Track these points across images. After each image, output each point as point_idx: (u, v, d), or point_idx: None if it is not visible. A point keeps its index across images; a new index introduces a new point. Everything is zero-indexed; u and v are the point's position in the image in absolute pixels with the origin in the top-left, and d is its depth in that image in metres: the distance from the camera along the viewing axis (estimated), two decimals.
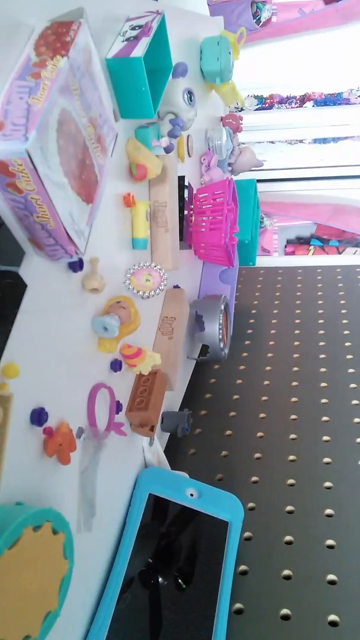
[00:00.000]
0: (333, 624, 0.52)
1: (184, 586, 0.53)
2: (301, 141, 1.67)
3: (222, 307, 0.81)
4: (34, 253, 0.35)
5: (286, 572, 0.57)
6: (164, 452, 0.68)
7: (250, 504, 0.66)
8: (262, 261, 1.29)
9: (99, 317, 0.45)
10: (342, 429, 0.76)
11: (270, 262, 1.29)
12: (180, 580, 0.53)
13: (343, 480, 0.68)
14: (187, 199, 0.73)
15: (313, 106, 1.72)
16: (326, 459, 0.71)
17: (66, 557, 0.34)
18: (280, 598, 0.55)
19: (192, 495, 0.59)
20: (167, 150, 0.57)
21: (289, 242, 1.50)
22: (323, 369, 0.89)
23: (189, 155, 0.78)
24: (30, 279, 0.34)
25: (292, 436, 0.76)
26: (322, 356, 0.92)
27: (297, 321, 1.04)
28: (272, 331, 1.02)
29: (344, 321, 1.01)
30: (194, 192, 0.81)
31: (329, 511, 0.64)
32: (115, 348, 0.48)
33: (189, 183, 0.73)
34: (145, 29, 0.47)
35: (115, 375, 0.52)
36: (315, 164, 1.61)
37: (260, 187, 1.44)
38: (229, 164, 1.00)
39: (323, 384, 0.86)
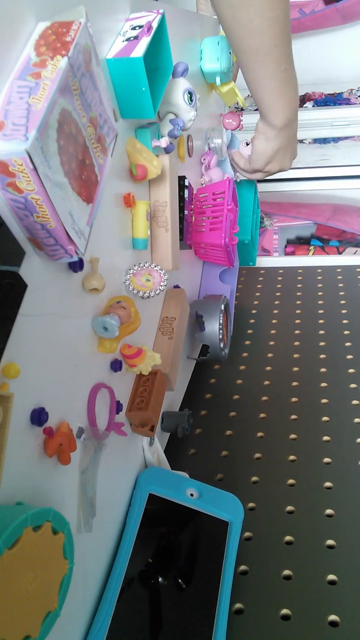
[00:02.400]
0: (333, 624, 0.52)
1: (184, 586, 0.53)
2: (301, 141, 1.67)
3: (222, 307, 0.81)
4: (34, 253, 0.35)
5: (286, 572, 0.57)
6: (164, 452, 0.68)
7: (250, 504, 0.66)
8: (262, 261, 1.29)
9: (99, 317, 0.45)
10: (342, 429, 0.76)
11: (270, 262, 1.29)
12: (180, 580, 0.53)
13: (343, 480, 0.68)
14: (187, 199, 0.73)
15: (313, 106, 1.72)
16: (326, 459, 0.71)
17: (66, 557, 0.34)
18: (280, 598, 0.55)
19: (192, 495, 0.59)
20: (167, 150, 0.57)
21: (289, 242, 1.50)
22: (323, 369, 0.89)
23: (189, 155, 0.78)
24: (30, 279, 0.34)
25: (292, 436, 0.76)
26: (322, 356, 0.92)
27: (297, 321, 1.04)
28: (272, 331, 1.02)
29: (344, 321, 1.01)
30: (194, 192, 0.81)
31: (329, 511, 0.64)
32: (115, 348, 0.48)
33: (189, 183, 0.73)
34: (146, 29, 0.47)
35: (116, 375, 0.52)
36: (315, 164, 1.61)
37: (261, 187, 1.44)
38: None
39: (323, 384, 0.86)
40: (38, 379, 0.37)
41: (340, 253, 1.44)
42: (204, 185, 0.87)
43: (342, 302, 1.08)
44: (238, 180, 1.04)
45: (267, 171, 0.82)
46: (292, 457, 0.72)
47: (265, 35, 0.57)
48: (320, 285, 1.16)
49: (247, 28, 0.57)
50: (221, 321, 0.79)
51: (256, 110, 0.71)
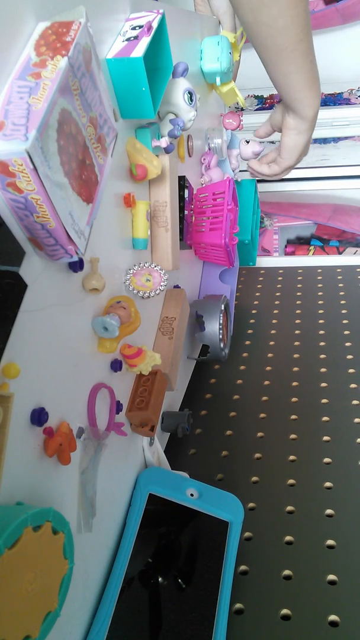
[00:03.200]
0: (333, 624, 0.52)
1: (184, 586, 0.53)
2: None
3: (222, 307, 0.81)
4: (34, 253, 0.35)
5: (286, 572, 0.57)
6: (164, 452, 0.68)
7: (250, 504, 0.66)
8: (262, 261, 1.29)
9: (99, 317, 0.45)
10: (342, 429, 0.76)
11: (270, 262, 1.29)
12: (180, 580, 0.53)
13: (343, 480, 0.68)
14: (187, 199, 0.73)
15: None
16: (326, 459, 0.71)
17: (66, 557, 0.34)
18: (280, 598, 0.55)
19: (192, 495, 0.59)
20: (167, 150, 0.57)
21: (289, 242, 1.50)
22: (323, 369, 0.89)
23: (189, 155, 0.78)
24: (31, 279, 0.34)
25: (292, 436, 0.76)
26: (322, 356, 0.92)
27: (297, 321, 1.04)
28: (272, 331, 1.02)
29: (344, 321, 1.01)
30: (194, 192, 0.81)
31: (329, 511, 0.64)
32: (115, 348, 0.48)
33: (189, 183, 0.73)
34: (146, 29, 0.47)
35: (116, 375, 0.52)
36: (315, 164, 1.61)
37: (261, 187, 1.44)
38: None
39: (323, 384, 0.86)
40: (38, 379, 0.37)
41: (340, 253, 1.43)
42: (204, 185, 0.87)
43: (342, 302, 1.08)
44: (238, 180, 1.04)
45: (296, 163, 0.83)
46: (292, 457, 0.72)
47: (291, 32, 0.58)
48: (320, 285, 1.16)
49: (272, 28, 0.57)
50: (221, 321, 0.79)
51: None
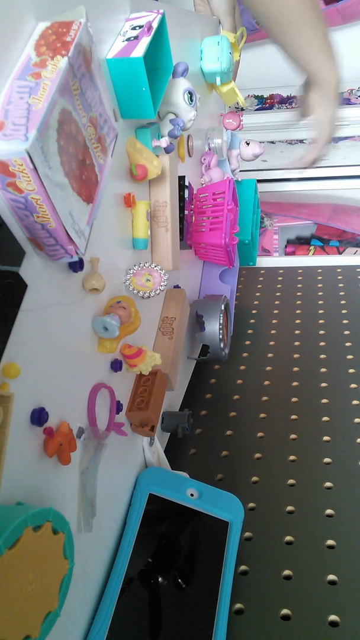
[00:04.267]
0: (333, 624, 0.52)
1: (184, 586, 0.53)
2: (301, 141, 1.67)
3: (223, 307, 0.81)
4: (34, 253, 0.35)
5: (286, 572, 0.57)
6: (164, 452, 0.68)
7: (250, 504, 0.66)
8: (262, 261, 1.29)
9: (99, 317, 0.45)
10: (342, 429, 0.76)
11: (270, 262, 1.29)
12: (180, 580, 0.53)
13: (343, 480, 0.68)
14: (187, 198, 0.73)
15: None
16: (326, 459, 0.71)
17: (66, 557, 0.34)
18: (280, 598, 0.55)
19: (192, 495, 0.59)
20: (168, 150, 0.57)
21: (289, 242, 1.50)
22: (323, 369, 0.89)
23: (189, 155, 0.78)
24: (31, 279, 0.34)
25: (292, 436, 0.76)
26: (322, 356, 0.92)
27: (298, 321, 1.04)
28: (273, 331, 1.02)
29: (344, 321, 1.01)
30: (194, 192, 0.81)
31: (329, 511, 0.64)
32: (115, 348, 0.48)
33: (189, 183, 0.73)
34: (146, 29, 0.47)
35: (116, 375, 0.52)
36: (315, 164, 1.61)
37: (261, 187, 1.44)
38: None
39: (323, 384, 0.86)
40: (38, 379, 0.37)
41: (340, 253, 1.43)
42: (204, 185, 0.87)
43: (342, 302, 1.08)
44: (238, 180, 1.04)
45: (330, 137, 0.85)
46: (292, 457, 0.72)
47: (300, 2, 0.66)
48: (320, 285, 1.16)
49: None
50: (221, 321, 0.79)
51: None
